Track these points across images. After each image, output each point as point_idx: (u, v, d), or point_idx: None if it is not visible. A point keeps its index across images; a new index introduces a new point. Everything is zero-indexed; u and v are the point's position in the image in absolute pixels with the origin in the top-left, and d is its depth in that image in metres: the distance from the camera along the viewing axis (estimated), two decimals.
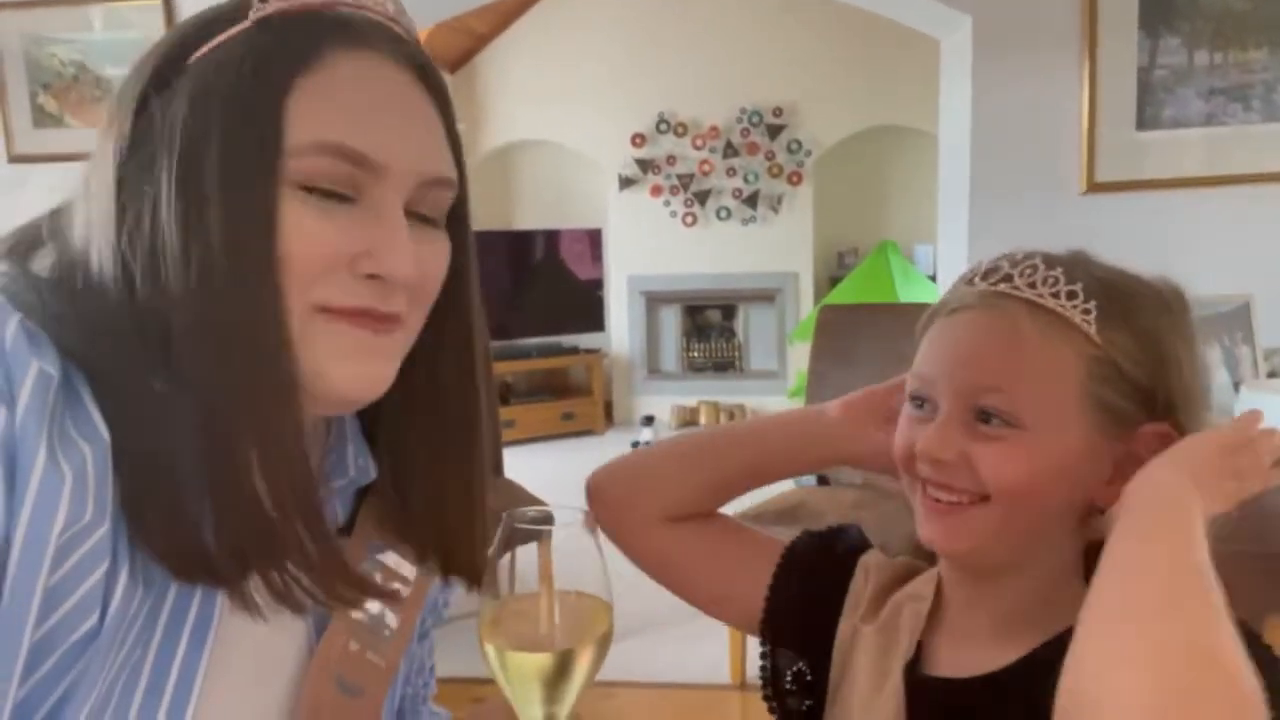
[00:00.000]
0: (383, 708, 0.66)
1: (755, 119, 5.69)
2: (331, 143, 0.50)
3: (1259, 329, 2.03)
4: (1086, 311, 0.60)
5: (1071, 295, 0.61)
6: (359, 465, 0.64)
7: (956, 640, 0.65)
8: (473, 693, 1.84)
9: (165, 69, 0.52)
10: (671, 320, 6.18)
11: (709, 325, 6.25)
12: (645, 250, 5.85)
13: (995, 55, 2.34)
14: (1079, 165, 2.33)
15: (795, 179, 5.74)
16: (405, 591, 0.65)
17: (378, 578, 0.64)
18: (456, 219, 0.59)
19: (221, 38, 0.51)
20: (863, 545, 0.75)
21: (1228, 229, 2.26)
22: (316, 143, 0.50)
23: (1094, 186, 2.33)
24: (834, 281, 5.82)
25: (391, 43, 0.54)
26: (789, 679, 0.73)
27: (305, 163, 0.50)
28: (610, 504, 0.75)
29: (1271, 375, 2.10)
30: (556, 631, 0.60)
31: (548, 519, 0.63)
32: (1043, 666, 0.55)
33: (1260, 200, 2.26)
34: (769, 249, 5.75)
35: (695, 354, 6.20)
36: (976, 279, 0.65)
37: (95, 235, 0.51)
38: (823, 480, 2.97)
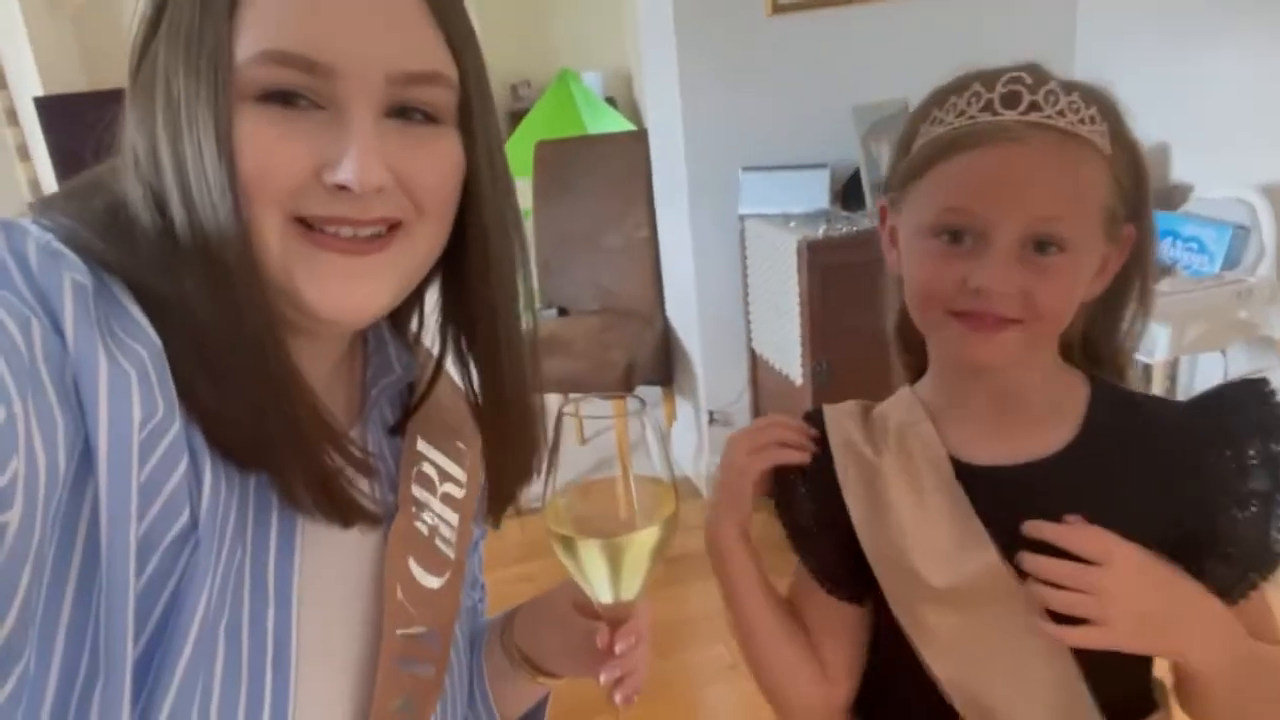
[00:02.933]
0: (459, 598, 0.67)
1: None
2: (272, 50, 0.49)
3: None
4: (1103, 134, 0.65)
5: (1093, 119, 0.64)
6: (403, 363, 0.66)
7: (977, 441, 0.71)
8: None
9: (156, 10, 0.51)
10: None
11: None
12: None
13: None
14: None
15: None
16: (458, 494, 0.67)
17: (432, 475, 0.65)
18: (466, 116, 0.55)
19: None
20: (814, 423, 0.79)
21: (885, 41, 2.60)
22: (259, 53, 0.49)
23: (777, 8, 2.55)
24: (515, 116, 5.78)
25: None
26: (833, 556, 0.77)
27: (255, 74, 0.49)
28: None
29: None
30: (626, 515, 0.61)
31: (607, 403, 0.64)
32: (1085, 455, 0.67)
33: (904, 13, 2.61)
34: None
35: None
36: (999, 107, 0.64)
37: (123, 172, 0.53)
38: (563, 311, 3.13)
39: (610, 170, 3.02)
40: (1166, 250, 2.28)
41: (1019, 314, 0.65)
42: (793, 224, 2.45)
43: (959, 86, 0.67)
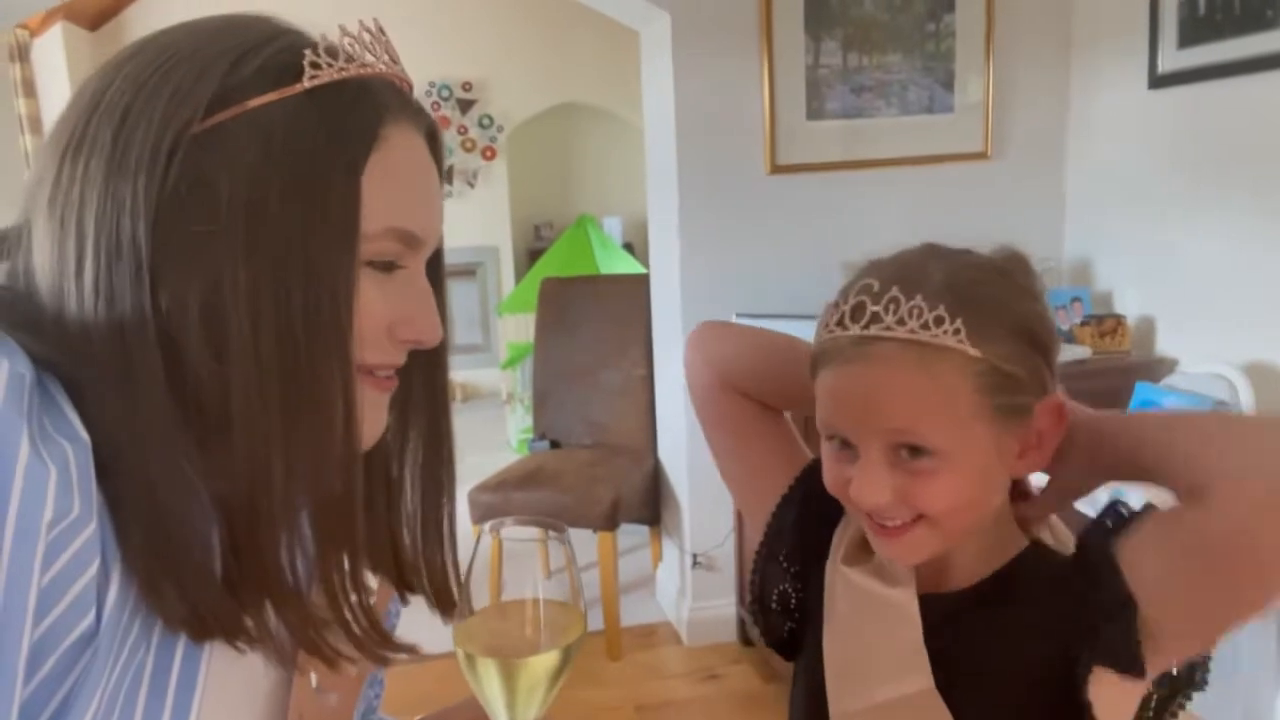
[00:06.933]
0: (354, 713, 0.69)
1: (445, 92, 5.68)
2: (400, 229, 0.54)
3: None
4: (957, 332, 0.61)
5: (939, 321, 0.61)
6: None
7: (931, 573, 0.71)
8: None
9: (190, 117, 0.50)
10: None
11: None
12: None
13: (692, 50, 2.60)
14: (763, 149, 2.68)
15: (489, 154, 5.83)
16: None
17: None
18: (435, 261, 0.61)
19: (271, 98, 0.51)
20: None
21: (877, 203, 2.72)
22: (388, 228, 0.53)
23: (776, 168, 2.69)
24: (533, 255, 6.01)
25: (416, 113, 0.57)
26: (774, 598, 0.77)
27: (376, 244, 0.53)
28: (700, 363, 0.84)
29: None
30: (529, 638, 0.63)
31: (528, 532, 0.66)
32: (1004, 580, 0.68)
33: (898, 180, 2.74)
34: (467, 223, 5.81)
35: None
36: (847, 321, 0.64)
37: (91, 272, 0.50)
38: (555, 444, 3.15)
39: (612, 309, 3.11)
40: None
41: (908, 517, 0.65)
42: None
43: (840, 294, 0.67)
